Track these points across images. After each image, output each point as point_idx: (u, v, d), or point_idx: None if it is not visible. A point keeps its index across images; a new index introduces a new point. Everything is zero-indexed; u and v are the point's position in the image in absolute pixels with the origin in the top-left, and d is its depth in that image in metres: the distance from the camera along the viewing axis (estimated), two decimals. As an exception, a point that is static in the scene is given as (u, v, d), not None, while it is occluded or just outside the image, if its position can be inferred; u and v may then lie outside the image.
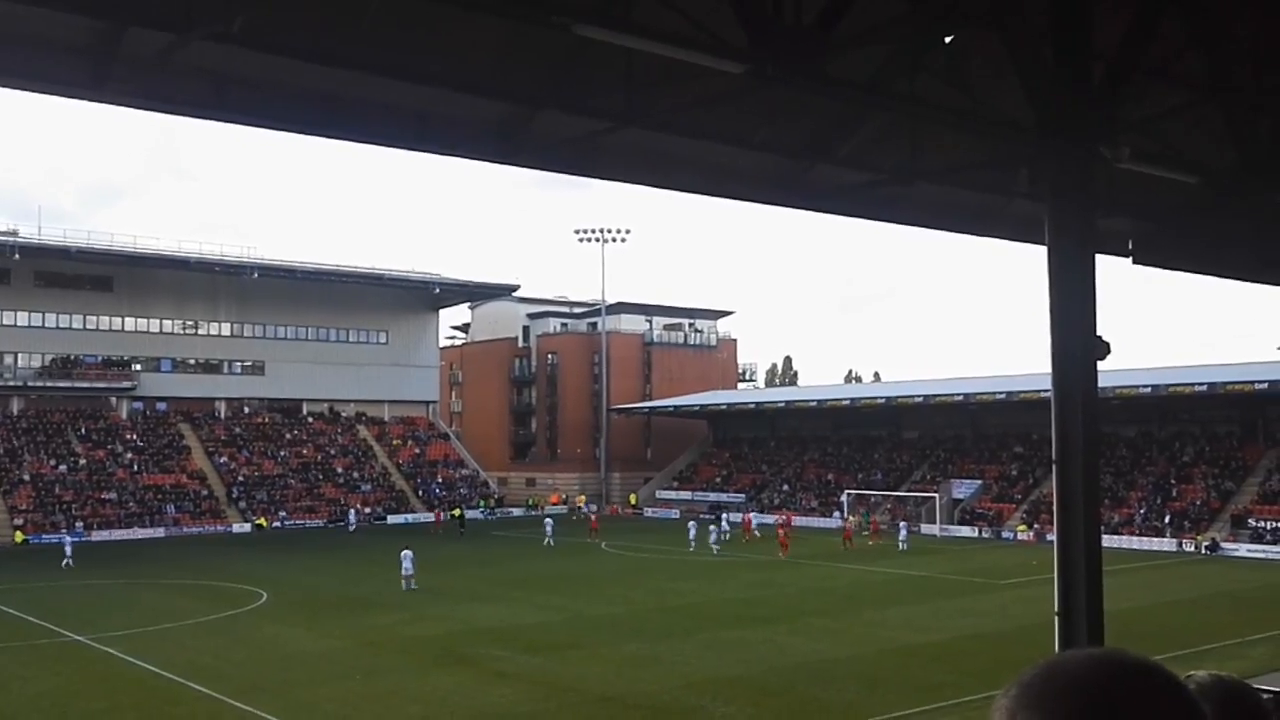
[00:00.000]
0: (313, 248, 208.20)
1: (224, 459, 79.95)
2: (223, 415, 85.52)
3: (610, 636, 32.36)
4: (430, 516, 77.58)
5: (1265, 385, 58.46)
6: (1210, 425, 65.54)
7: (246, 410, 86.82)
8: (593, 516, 69.35)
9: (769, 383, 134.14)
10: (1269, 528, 55.79)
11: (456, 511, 74.42)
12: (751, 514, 68.70)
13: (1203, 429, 65.90)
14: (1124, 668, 1.26)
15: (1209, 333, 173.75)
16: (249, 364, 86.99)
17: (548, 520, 60.58)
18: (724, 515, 66.40)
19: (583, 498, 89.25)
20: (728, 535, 58.66)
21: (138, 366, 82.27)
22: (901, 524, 60.24)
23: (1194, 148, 12.61)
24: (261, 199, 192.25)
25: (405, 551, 42.57)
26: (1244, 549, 54.42)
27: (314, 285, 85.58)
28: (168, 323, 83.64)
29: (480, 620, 35.18)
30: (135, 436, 79.49)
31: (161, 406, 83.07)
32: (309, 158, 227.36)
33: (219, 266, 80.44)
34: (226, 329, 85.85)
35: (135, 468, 76.06)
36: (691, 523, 60.40)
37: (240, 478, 78.41)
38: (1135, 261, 13.23)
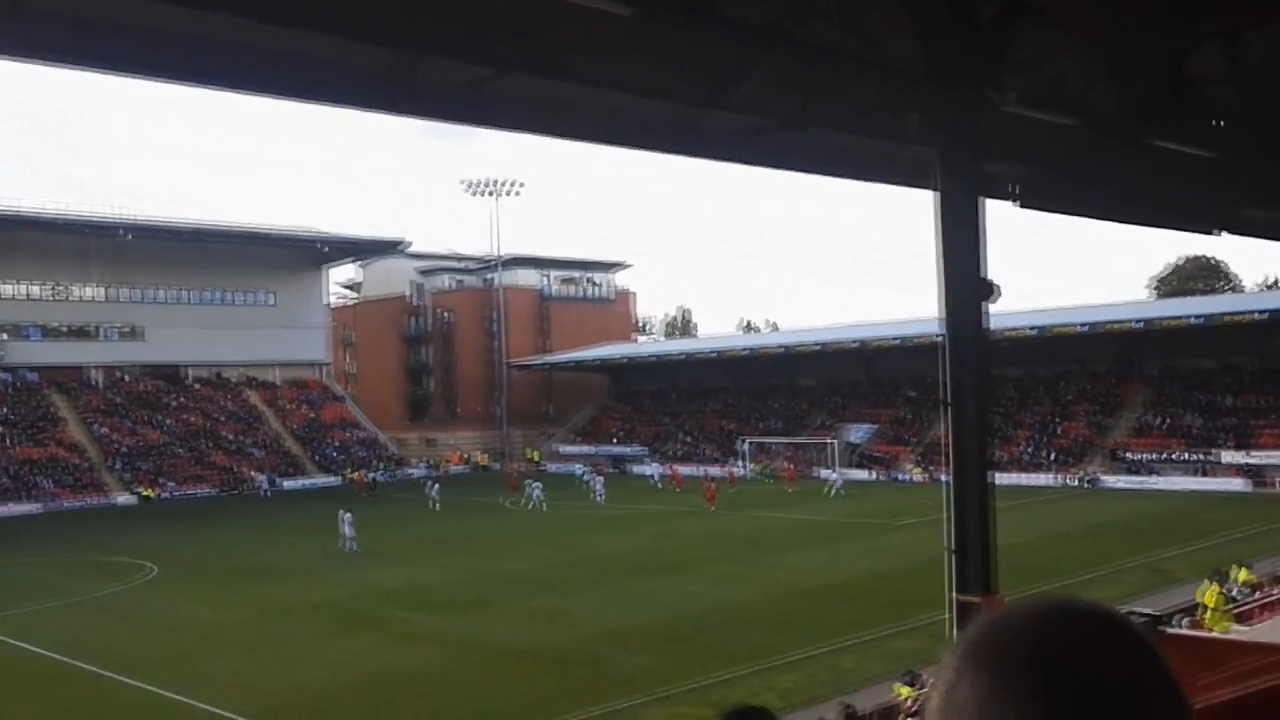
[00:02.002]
0: (191, 206, 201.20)
1: (103, 429, 76.54)
2: (99, 383, 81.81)
3: (517, 593, 32.34)
4: (332, 480, 76.43)
5: (1140, 324, 61.20)
6: (1090, 364, 67.97)
7: (125, 378, 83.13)
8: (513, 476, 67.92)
9: (667, 334, 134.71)
10: (1142, 460, 58.66)
11: (355, 474, 73.43)
12: (679, 466, 69.42)
13: (1083, 368, 68.26)
14: (1071, 615, 1.19)
15: (1082, 271, 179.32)
16: (125, 329, 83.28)
17: (536, 485, 57.81)
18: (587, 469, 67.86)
19: (484, 455, 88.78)
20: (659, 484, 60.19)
21: (3, 335, 78.25)
22: (835, 473, 61.24)
23: (1077, 91, 12.85)
24: (135, 155, 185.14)
25: (344, 514, 42.24)
26: (1121, 481, 57.20)
27: (193, 245, 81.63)
28: (34, 287, 79.66)
29: (385, 582, 34.82)
30: (4, 408, 75.33)
31: (31, 376, 79.04)
32: (184, 110, 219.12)
33: (88, 227, 76.22)
34: (99, 293, 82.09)
35: (6, 441, 72.05)
36: (598, 478, 60.50)
37: (122, 448, 75.19)
38: (1021, 205, 13.51)
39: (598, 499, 56.53)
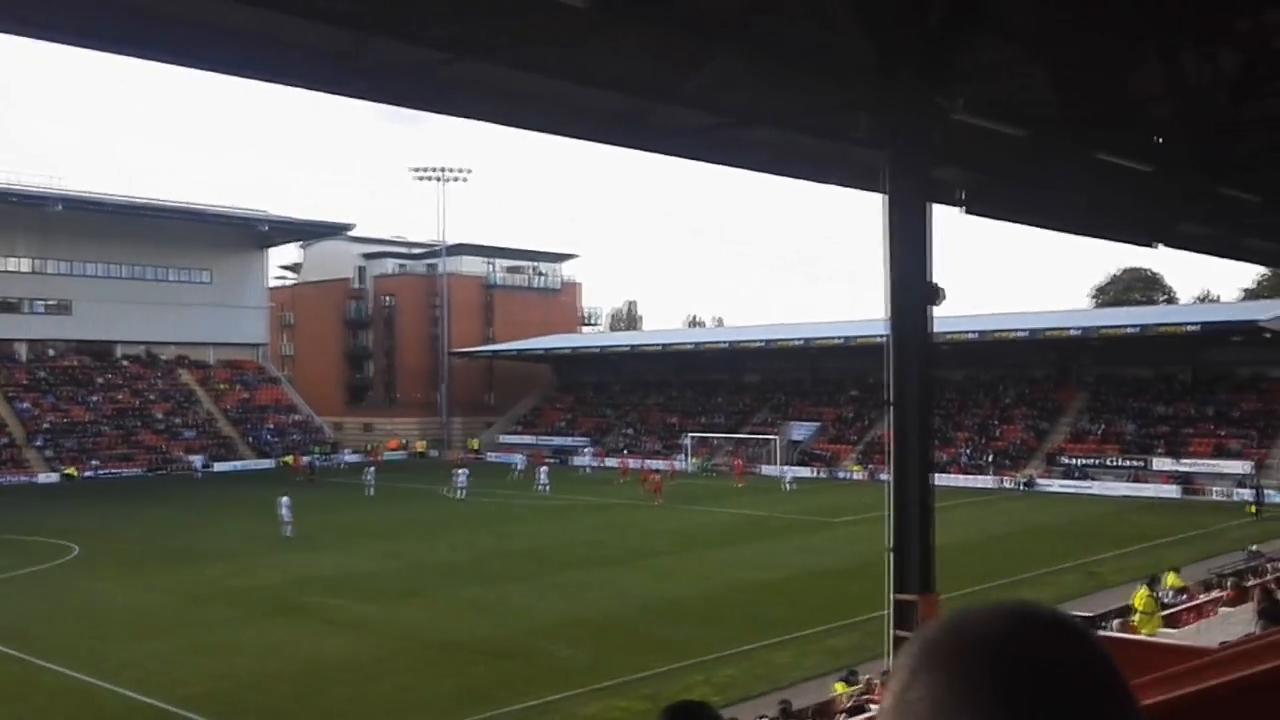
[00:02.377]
0: (130, 181, 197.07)
1: (25, 404, 74.67)
2: (23, 358, 79.65)
3: (451, 582, 32.07)
4: (266, 463, 75.48)
5: (1079, 331, 62.43)
6: (1029, 369, 69.21)
7: (51, 353, 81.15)
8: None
9: (613, 327, 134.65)
10: (1078, 464, 59.71)
11: (289, 458, 72.57)
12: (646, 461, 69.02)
13: (1023, 373, 69.47)
14: (1029, 621, 1.17)
15: (1027, 280, 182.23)
16: (53, 303, 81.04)
17: (462, 471, 57.05)
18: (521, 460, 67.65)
19: (423, 443, 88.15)
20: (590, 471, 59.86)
21: None
22: (787, 470, 61.70)
23: (1022, 102, 12.99)
24: (72, 127, 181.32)
25: (283, 499, 41.77)
26: (1056, 484, 58.17)
27: (128, 220, 79.79)
28: None
29: (315, 569, 34.33)
30: None
31: None
32: (126, 82, 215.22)
33: (16, 197, 74.17)
34: (26, 265, 79.84)
35: None
36: (543, 468, 60.01)
37: (45, 424, 73.42)
38: (967, 211, 13.61)
39: (542, 489, 56.12)
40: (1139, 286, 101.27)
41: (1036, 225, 16.05)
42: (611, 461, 72.82)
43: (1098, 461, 59.40)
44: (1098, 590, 28.95)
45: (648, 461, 68.63)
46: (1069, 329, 62.97)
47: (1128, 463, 58.24)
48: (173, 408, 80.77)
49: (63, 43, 11.02)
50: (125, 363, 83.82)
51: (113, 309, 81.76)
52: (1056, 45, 11.88)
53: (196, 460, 71.46)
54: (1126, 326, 61.39)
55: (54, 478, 68.10)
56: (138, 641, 25.17)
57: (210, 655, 23.77)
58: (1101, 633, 14.98)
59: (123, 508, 53.02)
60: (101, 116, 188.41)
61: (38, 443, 71.77)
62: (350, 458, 79.01)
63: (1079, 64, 12.17)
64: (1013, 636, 1.14)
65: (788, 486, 57.36)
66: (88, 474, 68.91)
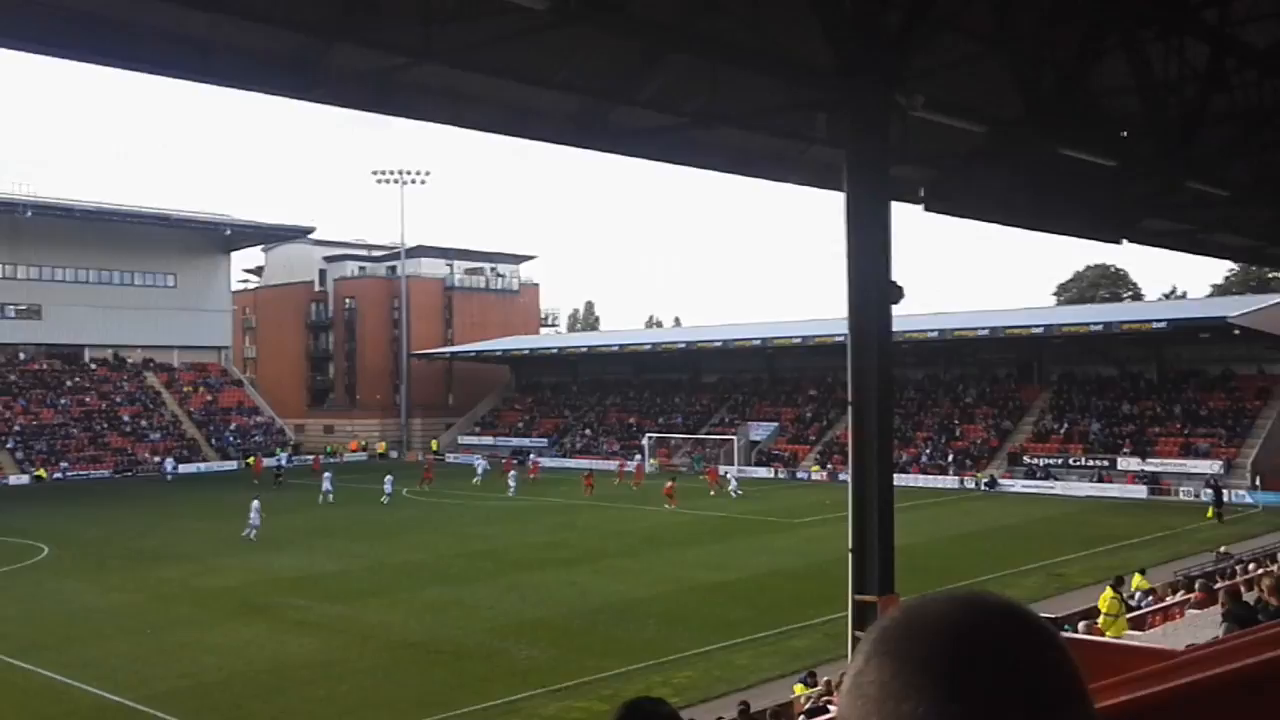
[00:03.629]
0: (97, 186, 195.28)
1: None
2: None
3: (412, 583, 31.99)
4: (229, 465, 74.95)
5: (1041, 329, 61.96)
6: (991, 367, 69.03)
7: (21, 356, 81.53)
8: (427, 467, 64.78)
9: (571, 328, 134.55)
10: (1041, 464, 59.18)
11: (250, 460, 71.85)
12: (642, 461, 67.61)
13: (984, 371, 69.30)
14: (981, 609, 1.19)
15: (990, 277, 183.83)
16: (23, 307, 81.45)
17: (388, 478, 55.42)
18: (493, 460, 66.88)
19: (383, 444, 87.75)
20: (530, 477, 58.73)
21: None
22: (729, 472, 59.72)
23: (983, 98, 13.09)
24: (39, 134, 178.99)
25: (254, 501, 41.45)
26: (1019, 485, 57.64)
27: (95, 225, 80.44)
28: None
29: (278, 570, 34.26)
30: None
31: None
32: (91, 89, 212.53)
33: None
34: None
35: None
36: (511, 471, 59.44)
37: (16, 427, 74.04)
38: (927, 209, 13.70)
39: (510, 491, 55.59)
40: (1104, 283, 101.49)
41: (998, 222, 16.14)
42: (579, 463, 72.44)
43: (1062, 461, 58.78)
44: (1062, 592, 28.97)
45: (622, 462, 67.57)
46: (1031, 327, 62.47)
47: (1093, 462, 57.63)
48: (139, 410, 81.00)
49: (31, 52, 10.96)
50: (94, 366, 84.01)
51: (82, 313, 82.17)
52: (1016, 40, 11.98)
53: (168, 463, 71.21)
54: (1090, 324, 60.85)
55: (24, 479, 68.73)
56: (106, 640, 25.30)
57: (176, 655, 23.82)
58: (1066, 634, 15.02)
59: (91, 509, 52.98)
60: (67, 123, 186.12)
61: (8, 444, 72.26)
62: (307, 459, 78.46)
63: (1040, 58, 12.28)
64: (961, 623, 1.15)
65: (734, 493, 54.25)
66: (57, 476, 69.44)
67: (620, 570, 33.86)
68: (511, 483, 56.77)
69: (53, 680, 21.96)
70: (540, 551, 37.53)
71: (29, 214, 75.68)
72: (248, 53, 11.48)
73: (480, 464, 65.43)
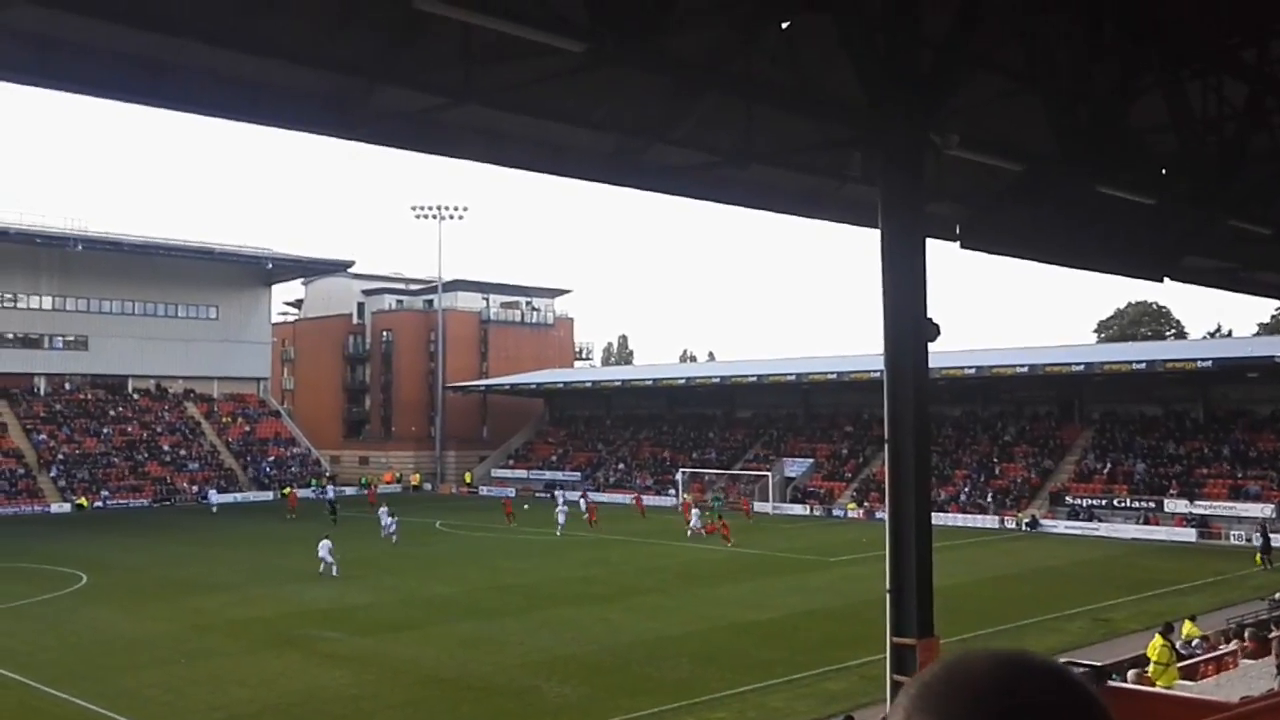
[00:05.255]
0: (143, 221, 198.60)
1: (42, 436, 76.68)
2: (43, 391, 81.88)
3: (444, 616, 31.94)
4: (266, 495, 75.37)
5: (1082, 367, 60.95)
6: (1031, 405, 67.99)
7: (68, 387, 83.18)
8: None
9: (605, 362, 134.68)
10: (1084, 505, 57.67)
11: (287, 489, 72.12)
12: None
13: (1024, 409, 68.31)
14: (1024, 669, 1.18)
15: (1029, 314, 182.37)
16: (72, 339, 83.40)
17: (384, 510, 53.53)
18: (563, 495, 65.95)
19: (417, 476, 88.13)
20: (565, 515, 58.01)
21: None
22: (694, 512, 55.21)
23: (1018, 135, 13.04)
24: (89, 171, 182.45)
25: (323, 542, 40.41)
26: (1062, 525, 56.27)
27: (141, 259, 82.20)
28: None
29: (311, 601, 34.34)
30: None
31: None
32: (140, 128, 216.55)
33: (40, 238, 76.60)
34: (48, 302, 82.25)
35: None
36: (563, 509, 56.41)
37: (60, 456, 75.32)
38: (963, 246, 13.61)
39: (558, 531, 53.17)
40: (1146, 321, 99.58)
41: (1035, 259, 15.97)
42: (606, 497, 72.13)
43: (1106, 502, 57.23)
44: (1109, 638, 27.92)
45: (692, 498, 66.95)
46: (1072, 365, 61.47)
47: (1138, 504, 55.97)
48: (179, 440, 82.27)
49: (89, 95, 11.25)
50: (136, 396, 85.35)
51: (126, 344, 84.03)
52: (1051, 77, 11.92)
53: (211, 494, 71.86)
54: (1133, 362, 59.64)
55: (66, 507, 69.87)
56: (141, 670, 25.47)
57: (209, 686, 23.93)
58: (1115, 684, 14.57)
59: (130, 538, 53.61)
60: (113, 160, 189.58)
61: (52, 473, 73.57)
62: (348, 490, 78.54)
63: (1076, 96, 12.20)
64: (1003, 682, 1.15)
65: (691, 530, 52.44)
66: (98, 504, 70.63)
67: (653, 607, 33.64)
68: (560, 518, 54.28)
69: (87, 710, 22.05)
70: (572, 587, 37.39)
71: (79, 248, 77.56)
72: (294, 94, 11.70)
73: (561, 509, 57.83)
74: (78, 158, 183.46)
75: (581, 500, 62.78)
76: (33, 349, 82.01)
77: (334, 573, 39.46)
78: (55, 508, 69.80)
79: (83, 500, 70.47)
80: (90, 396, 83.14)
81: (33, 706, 22.50)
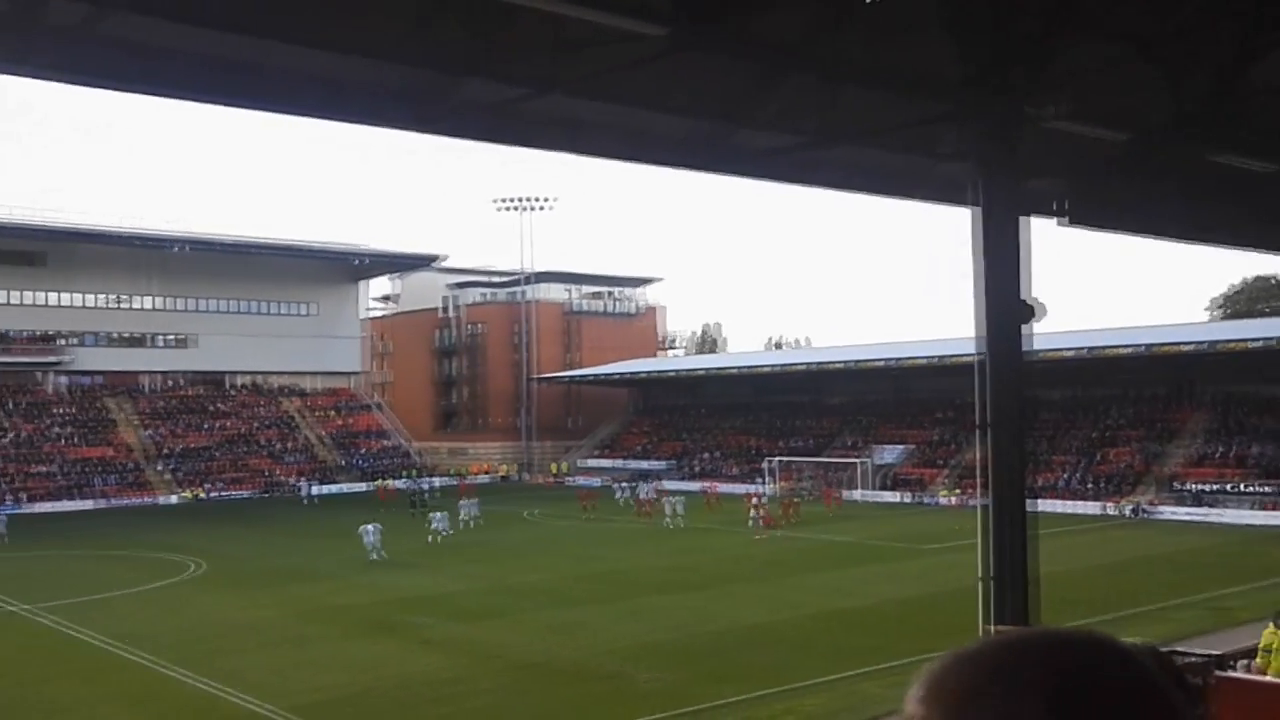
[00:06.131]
0: (238, 221, 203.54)
1: (152, 432, 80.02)
2: (150, 388, 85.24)
3: (535, 604, 32.25)
4: (361, 487, 77.16)
5: (1196, 346, 58.19)
6: (1139, 388, 65.27)
7: (173, 383, 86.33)
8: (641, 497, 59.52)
9: (693, 350, 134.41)
10: (1196, 490, 55.29)
11: (381, 481, 73.76)
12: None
13: (1131, 391, 65.66)
14: (1100, 649, 1.12)
15: (1139, 293, 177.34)
16: (176, 337, 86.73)
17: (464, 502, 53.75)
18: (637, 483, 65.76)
19: (506, 467, 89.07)
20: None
21: (67, 341, 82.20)
22: (672, 500, 53.02)
23: (1126, 104, 12.53)
24: (188, 172, 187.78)
25: (369, 525, 41.81)
26: (1173, 512, 53.87)
27: (239, 258, 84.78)
28: (95, 297, 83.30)
29: (405, 589, 35.04)
30: (65, 410, 79.76)
31: (90, 380, 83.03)
32: (232, 130, 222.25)
33: (144, 240, 79.58)
34: (153, 302, 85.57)
35: (65, 441, 76.26)
36: (679, 499, 53.41)
37: (167, 450, 78.49)
38: (1065, 223, 13.15)
39: (679, 521, 51.02)
40: (1266, 296, 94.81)
41: (1144, 235, 15.38)
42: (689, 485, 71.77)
43: (1221, 487, 54.59)
44: (1223, 628, 26.62)
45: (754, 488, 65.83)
46: (1184, 344, 58.64)
47: (1259, 488, 53.16)
48: (278, 434, 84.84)
49: (184, 99, 11.52)
50: (236, 391, 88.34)
51: (227, 341, 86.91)
52: (1165, 41, 11.38)
53: (309, 486, 73.72)
54: (1252, 340, 56.63)
55: (174, 499, 73.37)
56: (249, 653, 26.63)
57: (311, 669, 24.83)
58: (1228, 674, 14.13)
59: (235, 528, 55.79)
60: (207, 161, 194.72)
61: (159, 466, 76.86)
62: (438, 481, 79.29)
63: (1191, 60, 11.64)
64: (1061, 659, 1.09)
65: (669, 521, 50.69)
66: (204, 496, 73.88)
67: (742, 595, 33.48)
68: (679, 510, 51.89)
69: (201, 688, 23.18)
70: (660, 575, 37.40)
71: (180, 249, 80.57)
72: (377, 90, 11.78)
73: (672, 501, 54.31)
74: (173, 159, 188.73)
75: (649, 489, 61.67)
76: (140, 347, 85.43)
77: (373, 557, 40.29)
78: (164, 499, 72.85)
79: (190, 492, 73.65)
80: (194, 392, 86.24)
81: (153, 686, 23.78)
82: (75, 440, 76.78)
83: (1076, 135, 12.33)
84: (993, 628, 12.44)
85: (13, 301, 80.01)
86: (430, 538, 46.38)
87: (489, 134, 13.30)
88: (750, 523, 50.80)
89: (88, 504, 69.67)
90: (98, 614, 31.62)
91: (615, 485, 68.48)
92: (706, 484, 67.42)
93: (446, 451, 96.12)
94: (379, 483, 74.54)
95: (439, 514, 48.48)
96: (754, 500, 53.71)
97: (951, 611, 26.40)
